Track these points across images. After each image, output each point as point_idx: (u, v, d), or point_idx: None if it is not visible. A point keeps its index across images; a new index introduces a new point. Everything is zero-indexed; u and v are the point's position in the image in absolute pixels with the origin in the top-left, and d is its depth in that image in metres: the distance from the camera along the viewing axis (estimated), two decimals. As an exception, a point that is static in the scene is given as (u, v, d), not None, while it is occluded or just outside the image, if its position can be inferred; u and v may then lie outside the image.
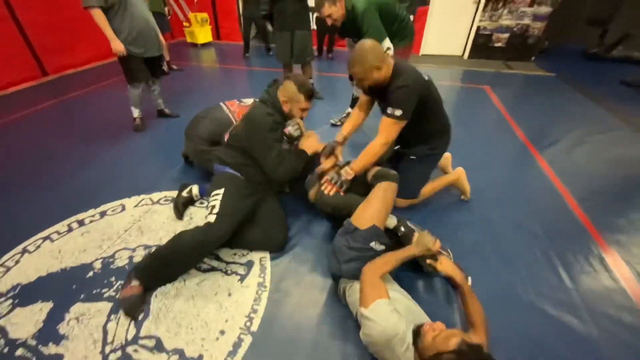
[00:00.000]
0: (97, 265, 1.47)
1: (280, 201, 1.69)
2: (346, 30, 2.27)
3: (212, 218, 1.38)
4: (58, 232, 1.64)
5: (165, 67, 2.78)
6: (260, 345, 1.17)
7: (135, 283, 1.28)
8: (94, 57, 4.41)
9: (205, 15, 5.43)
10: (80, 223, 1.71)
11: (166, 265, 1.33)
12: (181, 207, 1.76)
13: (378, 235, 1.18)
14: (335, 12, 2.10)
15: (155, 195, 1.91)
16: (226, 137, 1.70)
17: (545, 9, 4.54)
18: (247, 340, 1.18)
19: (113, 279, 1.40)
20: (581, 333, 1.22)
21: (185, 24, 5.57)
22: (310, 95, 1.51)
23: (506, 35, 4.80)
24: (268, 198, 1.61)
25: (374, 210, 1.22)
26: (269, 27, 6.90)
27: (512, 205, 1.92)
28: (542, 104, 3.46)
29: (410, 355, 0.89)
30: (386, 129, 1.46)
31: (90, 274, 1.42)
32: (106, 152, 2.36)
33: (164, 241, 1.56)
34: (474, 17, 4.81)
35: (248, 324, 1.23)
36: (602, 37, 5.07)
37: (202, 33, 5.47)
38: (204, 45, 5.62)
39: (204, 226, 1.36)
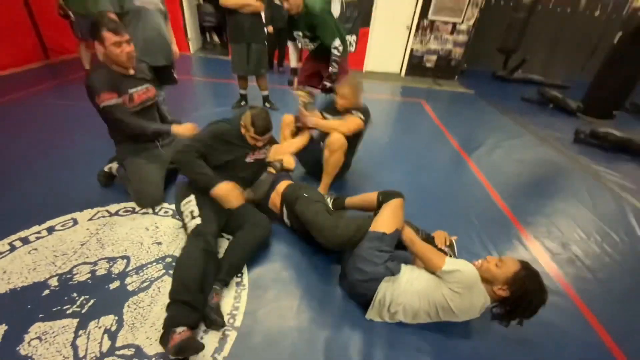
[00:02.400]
0: (53, 282, 1.35)
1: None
2: (296, 23, 2.46)
3: (198, 220, 1.43)
4: (-2, 252, 1.47)
5: (176, 75, 2.75)
6: (246, 338, 1.21)
7: (180, 329, 1.08)
8: (16, 62, 3.91)
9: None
10: (24, 241, 1.54)
11: (189, 292, 1.19)
12: (102, 179, 1.95)
13: (398, 235, 1.34)
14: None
15: (113, 207, 1.81)
16: None
17: (463, 37, 5.39)
18: (232, 335, 1.22)
19: (75, 294, 1.31)
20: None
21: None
22: (260, 131, 1.57)
23: (434, 57, 5.56)
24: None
25: (390, 219, 1.34)
26: (215, 38, 6.92)
27: (449, 198, 2.26)
28: (466, 115, 4.09)
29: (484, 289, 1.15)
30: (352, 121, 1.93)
31: (47, 292, 1.31)
32: (46, 162, 2.14)
33: (129, 252, 1.53)
34: (407, 40, 5.47)
35: (231, 320, 1.27)
36: (506, 62, 6.15)
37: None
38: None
39: (195, 232, 1.39)
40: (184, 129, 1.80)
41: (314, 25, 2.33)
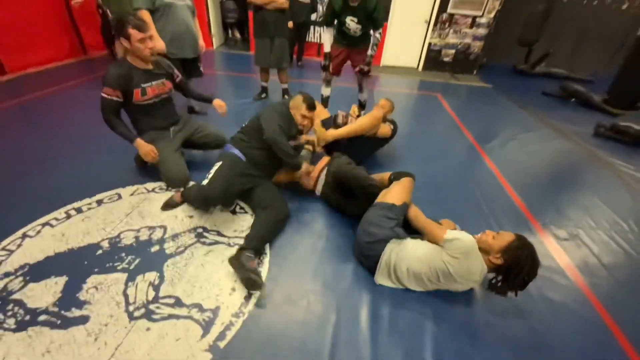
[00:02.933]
0: (105, 244, 1.57)
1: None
2: (352, 9, 2.47)
3: (205, 181, 1.67)
4: (56, 219, 1.70)
5: (202, 69, 2.94)
6: (269, 296, 1.39)
7: (178, 194, 1.86)
8: (57, 57, 4.27)
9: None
10: (78, 210, 1.78)
11: (188, 199, 1.83)
12: (138, 162, 2.17)
13: (406, 209, 1.51)
14: None
15: (150, 185, 2.03)
16: (246, 122, 1.94)
17: (482, 31, 5.34)
18: (256, 294, 1.39)
19: (123, 254, 1.52)
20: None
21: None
22: (310, 106, 1.89)
23: (452, 51, 5.54)
24: (264, 182, 1.84)
25: (400, 194, 1.51)
26: (237, 34, 7.16)
27: (461, 185, 2.35)
28: (482, 109, 4.10)
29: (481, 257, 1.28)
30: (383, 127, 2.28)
31: (99, 252, 1.53)
32: (93, 146, 2.40)
33: (165, 223, 1.74)
34: (426, 34, 5.48)
35: (255, 281, 1.45)
36: (528, 56, 6.03)
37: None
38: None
39: (200, 185, 1.68)
40: (144, 151, 1.87)
41: (372, 10, 2.45)
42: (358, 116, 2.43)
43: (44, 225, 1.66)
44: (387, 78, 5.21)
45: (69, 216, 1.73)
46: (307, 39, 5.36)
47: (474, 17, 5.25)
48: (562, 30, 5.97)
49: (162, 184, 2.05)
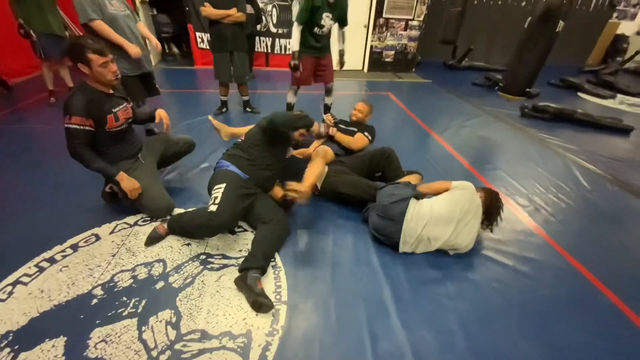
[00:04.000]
0: (98, 292, 1.41)
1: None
2: (332, 5, 2.71)
3: (214, 207, 1.56)
4: (27, 275, 1.47)
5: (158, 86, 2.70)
6: (295, 309, 1.38)
7: (165, 226, 1.70)
8: None
9: (103, 37, 4.99)
10: (51, 261, 1.55)
11: (182, 228, 1.68)
12: (107, 198, 1.94)
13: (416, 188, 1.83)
14: None
15: (131, 219, 1.86)
16: (241, 138, 1.86)
17: (415, 32, 5.88)
18: (283, 308, 1.38)
19: (125, 298, 1.38)
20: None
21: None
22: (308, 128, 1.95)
23: (392, 52, 5.99)
24: (260, 195, 1.80)
25: (413, 179, 1.98)
26: (174, 49, 6.78)
27: (425, 164, 2.62)
28: (430, 103, 4.51)
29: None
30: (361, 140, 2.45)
31: (94, 301, 1.36)
32: (46, 187, 2.09)
33: (162, 256, 1.61)
34: (367, 38, 5.84)
35: (278, 296, 1.43)
36: (454, 52, 6.78)
37: (102, 57, 4.99)
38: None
39: (208, 212, 1.55)
40: (130, 186, 1.72)
41: (345, 7, 2.82)
42: (335, 123, 2.51)
43: (14, 284, 1.42)
44: (337, 82, 5.41)
45: (41, 269, 1.50)
46: (255, 49, 5.32)
47: (407, 21, 5.75)
48: (477, 27, 6.83)
49: (145, 215, 1.88)
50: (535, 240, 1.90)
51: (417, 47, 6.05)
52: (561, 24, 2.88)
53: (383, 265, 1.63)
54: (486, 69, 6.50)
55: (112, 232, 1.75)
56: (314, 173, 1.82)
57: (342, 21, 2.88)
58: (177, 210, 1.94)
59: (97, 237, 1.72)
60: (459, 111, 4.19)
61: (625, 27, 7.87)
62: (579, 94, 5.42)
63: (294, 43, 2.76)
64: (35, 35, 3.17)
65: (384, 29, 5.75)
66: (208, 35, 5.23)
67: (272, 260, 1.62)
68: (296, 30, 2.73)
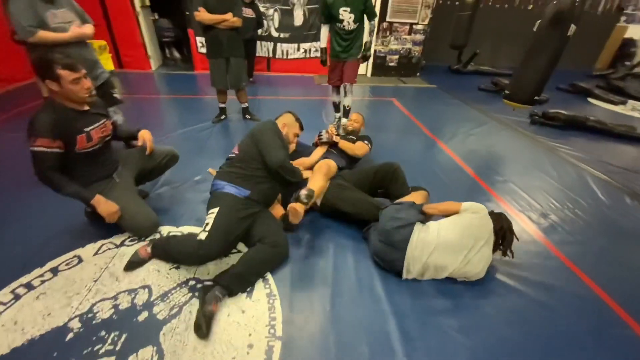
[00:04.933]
0: (75, 324, 1.28)
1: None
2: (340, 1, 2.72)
3: (203, 235, 1.44)
4: (2, 303, 1.35)
5: (118, 96, 2.52)
6: (291, 345, 1.25)
7: (149, 249, 1.58)
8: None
9: (102, 42, 4.92)
10: (29, 287, 1.43)
11: (168, 254, 1.56)
12: (90, 216, 1.82)
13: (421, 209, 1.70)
14: None
15: (117, 238, 1.74)
16: (235, 149, 1.74)
17: (420, 37, 5.75)
18: (277, 345, 1.25)
19: (103, 332, 1.25)
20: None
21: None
22: (302, 127, 1.94)
23: (396, 56, 5.86)
24: (261, 213, 1.68)
25: (418, 199, 1.81)
26: (176, 54, 6.72)
27: (430, 175, 2.53)
28: (435, 109, 4.37)
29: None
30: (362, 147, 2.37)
31: (70, 335, 1.24)
32: (29, 202, 1.98)
33: (148, 281, 1.49)
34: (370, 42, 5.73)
35: (272, 331, 1.30)
36: (459, 56, 6.64)
37: (102, 61, 4.91)
38: (104, 74, 5.05)
39: (197, 241, 1.43)
40: (108, 210, 1.59)
41: (364, 1, 2.74)
42: (337, 135, 2.40)
43: (-16, 315, 1.30)
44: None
45: (17, 296, 1.39)
46: (255, 54, 5.22)
47: (411, 25, 5.63)
48: (483, 31, 6.69)
49: (132, 235, 1.76)
50: (552, 264, 1.75)
51: (422, 51, 5.93)
52: (573, 28, 2.73)
53: (387, 292, 1.50)
54: (493, 73, 6.35)
55: (96, 254, 1.63)
56: (315, 189, 1.70)
57: (367, 15, 2.85)
58: (166, 229, 1.82)
59: (80, 260, 1.60)
60: (465, 118, 4.05)
61: (634, 31, 7.68)
62: (589, 99, 5.26)
63: (321, 40, 3.03)
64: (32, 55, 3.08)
65: (388, 33, 5.63)
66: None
67: (266, 286, 1.50)
68: (323, 29, 2.98)
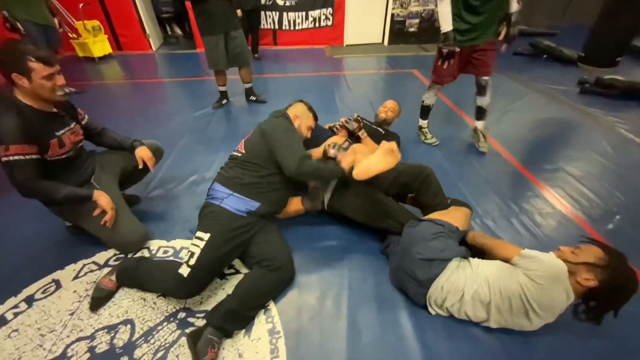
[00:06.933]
0: (45, 373, 1.09)
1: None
2: None
3: (185, 270, 1.18)
4: (-33, 345, 1.18)
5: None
6: (297, 405, 1.01)
7: (113, 278, 1.33)
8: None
9: (96, 22, 4.59)
10: (1, 321, 1.26)
11: (140, 285, 1.33)
12: (71, 229, 1.62)
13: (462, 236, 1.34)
14: None
15: (101, 256, 1.52)
16: (240, 147, 1.47)
17: (444, -6, 5.02)
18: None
19: (75, 385, 1.06)
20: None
21: (71, 35, 4.62)
22: (317, 117, 1.65)
23: (417, 20, 5.19)
24: (263, 226, 1.41)
25: (462, 221, 1.35)
26: (177, 31, 6.30)
27: (460, 164, 2.22)
28: (462, 80, 3.79)
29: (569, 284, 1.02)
30: None
31: (38, 389, 1.05)
32: (7, 216, 1.80)
33: (131, 314, 1.27)
34: (387, 5, 5.07)
35: (274, 384, 1.06)
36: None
37: (98, 44, 4.62)
38: (103, 58, 4.77)
39: (178, 277, 1.18)
40: (106, 202, 1.39)
41: None
42: (362, 123, 2.02)
43: (-55, 361, 1.13)
44: (354, 59, 4.79)
45: (-15, 335, 1.21)
46: (260, 26, 4.74)
47: (434, -19, 4.90)
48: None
49: (117, 252, 1.54)
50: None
51: (447, 12, 5.21)
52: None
53: (416, 329, 1.20)
54: (530, 33, 5.53)
55: (76, 277, 1.43)
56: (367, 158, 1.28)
57: None
58: (156, 243, 1.59)
59: (58, 285, 1.40)
60: (500, 90, 3.48)
61: None
62: (646, 59, 4.47)
63: (442, 21, 1.90)
64: (23, 28, 2.83)
65: (408, -8, 4.94)
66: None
67: (268, 320, 1.24)
68: (442, 3, 1.86)
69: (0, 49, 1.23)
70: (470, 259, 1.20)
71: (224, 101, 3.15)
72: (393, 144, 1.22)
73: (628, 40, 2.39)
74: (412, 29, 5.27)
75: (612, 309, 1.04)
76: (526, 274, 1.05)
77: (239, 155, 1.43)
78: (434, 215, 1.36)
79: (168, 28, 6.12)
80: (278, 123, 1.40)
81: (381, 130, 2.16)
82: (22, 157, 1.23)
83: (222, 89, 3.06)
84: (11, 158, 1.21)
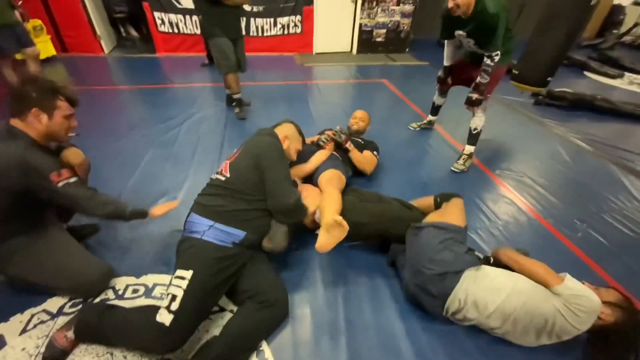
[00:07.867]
0: None
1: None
2: (461, 22, 1.99)
3: (167, 318, 1.01)
4: None
5: None
6: None
7: (69, 334, 1.10)
8: None
9: (37, 22, 4.08)
10: None
11: (108, 341, 1.11)
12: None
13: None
14: None
15: (53, 303, 1.29)
16: (224, 170, 1.31)
17: (409, 7, 5.22)
18: None
19: None
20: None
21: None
22: (304, 140, 1.66)
23: (384, 30, 5.33)
24: (256, 257, 1.30)
25: (459, 215, 1.32)
26: (133, 32, 5.83)
27: (431, 167, 2.14)
28: (429, 90, 3.94)
29: None
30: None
31: None
32: None
33: (98, 371, 1.08)
34: (355, 15, 5.14)
35: None
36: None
37: (40, 45, 4.10)
38: (46, 61, 4.24)
39: (158, 328, 1.00)
40: (77, 154, 1.33)
41: (482, 28, 1.93)
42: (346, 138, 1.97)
43: None
44: (324, 68, 4.77)
45: None
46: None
47: (400, -7, 5.07)
48: None
49: (74, 298, 1.32)
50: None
51: (411, 23, 5.41)
52: (598, -5, 2.35)
53: (418, 357, 1.17)
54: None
55: (24, 331, 1.19)
56: (333, 207, 1.30)
57: (484, 44, 2.01)
58: (123, 281, 1.39)
59: (2, 342, 1.15)
60: (464, 100, 3.68)
61: (621, -4, 7.44)
62: (585, 73, 5.01)
63: (445, 57, 2.56)
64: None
65: (374, 4, 5.05)
66: (197, 18, 4.43)
67: (263, 364, 1.13)
68: (446, 45, 2.45)
69: (31, 80, 1.18)
70: (484, 266, 1.19)
71: (244, 106, 3.01)
72: (336, 218, 1.17)
73: (558, 60, 2.53)
74: (379, 39, 5.40)
75: (622, 350, 1.07)
76: (566, 305, 1.05)
77: (222, 179, 1.29)
78: (432, 218, 1.33)
79: (122, 29, 5.65)
80: (272, 147, 1.31)
81: (360, 140, 2.14)
82: (69, 180, 1.17)
83: (236, 96, 2.90)
84: (60, 183, 1.14)
